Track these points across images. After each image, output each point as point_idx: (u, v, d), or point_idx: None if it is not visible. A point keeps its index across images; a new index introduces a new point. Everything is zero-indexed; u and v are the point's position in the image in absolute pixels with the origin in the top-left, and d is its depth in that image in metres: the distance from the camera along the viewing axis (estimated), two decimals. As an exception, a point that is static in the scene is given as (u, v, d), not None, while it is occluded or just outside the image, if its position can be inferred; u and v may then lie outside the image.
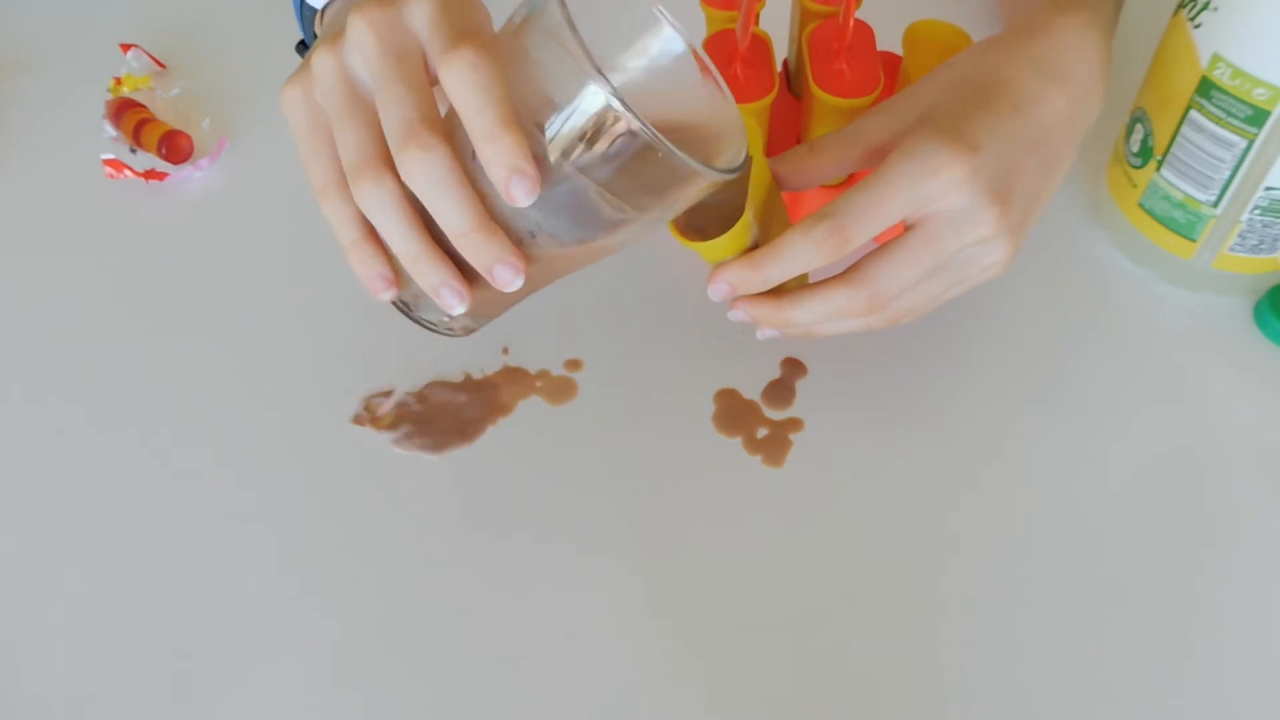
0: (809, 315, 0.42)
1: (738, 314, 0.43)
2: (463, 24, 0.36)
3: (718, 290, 0.41)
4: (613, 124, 0.34)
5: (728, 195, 0.40)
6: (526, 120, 0.35)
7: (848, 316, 0.42)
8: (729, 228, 0.40)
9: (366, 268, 0.39)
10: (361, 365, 0.50)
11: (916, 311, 0.43)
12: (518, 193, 0.34)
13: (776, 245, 0.40)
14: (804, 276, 0.44)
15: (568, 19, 0.34)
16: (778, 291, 0.42)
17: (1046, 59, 0.42)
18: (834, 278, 0.41)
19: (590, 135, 0.35)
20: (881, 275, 0.40)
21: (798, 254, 0.39)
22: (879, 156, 0.42)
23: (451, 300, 0.38)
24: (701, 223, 0.41)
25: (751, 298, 0.42)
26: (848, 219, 0.39)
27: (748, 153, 0.40)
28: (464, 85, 0.34)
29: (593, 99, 0.34)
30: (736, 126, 0.40)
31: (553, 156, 0.35)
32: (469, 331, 0.43)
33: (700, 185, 0.37)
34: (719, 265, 0.41)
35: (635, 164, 0.35)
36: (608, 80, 0.34)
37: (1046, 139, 0.41)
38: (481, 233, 0.36)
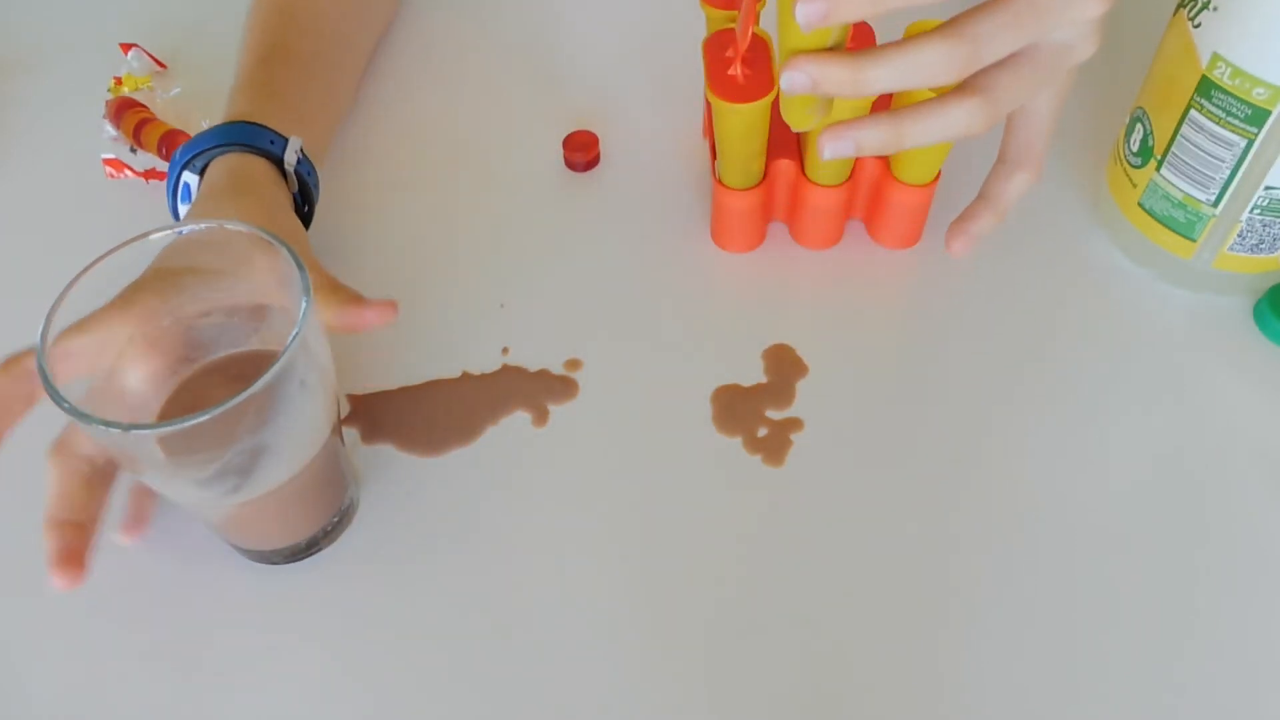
0: (893, 73, 0.36)
1: (797, 76, 0.36)
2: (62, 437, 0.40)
3: (794, 80, 0.36)
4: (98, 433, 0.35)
5: None
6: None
7: (943, 80, 0.37)
8: None
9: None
10: (360, 365, 0.50)
11: (1007, 105, 0.39)
12: (59, 583, 0.39)
13: (890, 47, 0.35)
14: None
15: (43, 370, 0.36)
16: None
17: None
18: (929, 32, 0.36)
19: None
20: (980, 28, 0.36)
21: (923, 55, 0.35)
22: None
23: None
24: None
25: (822, 55, 0.36)
26: (979, 29, 0.35)
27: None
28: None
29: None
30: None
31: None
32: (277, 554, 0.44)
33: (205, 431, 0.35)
34: (799, 53, 0.36)
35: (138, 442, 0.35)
36: (54, 387, 0.36)
37: None
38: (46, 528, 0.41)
